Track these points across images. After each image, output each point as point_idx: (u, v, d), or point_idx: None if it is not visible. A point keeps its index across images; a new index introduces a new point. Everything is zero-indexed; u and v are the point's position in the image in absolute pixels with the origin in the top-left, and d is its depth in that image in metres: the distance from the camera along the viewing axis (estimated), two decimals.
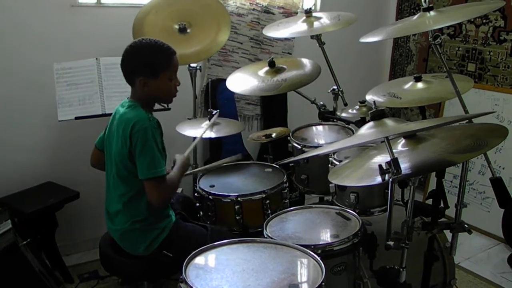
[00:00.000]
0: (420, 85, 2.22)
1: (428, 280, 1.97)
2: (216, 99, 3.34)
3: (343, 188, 2.16)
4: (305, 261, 1.60)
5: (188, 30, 2.76)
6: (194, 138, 2.51)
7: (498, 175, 2.24)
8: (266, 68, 2.59)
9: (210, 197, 2.26)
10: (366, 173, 1.68)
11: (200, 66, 2.89)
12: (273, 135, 2.80)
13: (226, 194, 2.24)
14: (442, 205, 1.92)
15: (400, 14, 3.97)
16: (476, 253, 3.08)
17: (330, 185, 2.20)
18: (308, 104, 2.72)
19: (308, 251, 1.63)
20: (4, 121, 2.79)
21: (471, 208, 3.12)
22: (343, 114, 2.60)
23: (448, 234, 2.07)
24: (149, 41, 1.97)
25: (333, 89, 2.65)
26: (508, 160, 3.17)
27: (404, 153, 1.60)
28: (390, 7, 4.03)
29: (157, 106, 2.15)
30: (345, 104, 2.67)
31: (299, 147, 2.50)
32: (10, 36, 2.72)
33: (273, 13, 3.50)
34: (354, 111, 2.55)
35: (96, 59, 2.69)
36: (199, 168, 2.58)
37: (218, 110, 2.64)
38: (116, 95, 2.66)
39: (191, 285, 1.45)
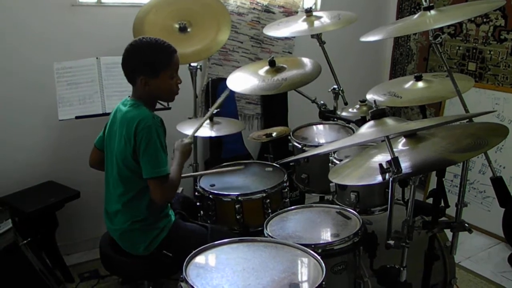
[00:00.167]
0: (420, 84, 2.22)
1: (429, 279, 1.96)
2: (216, 98, 3.33)
3: (344, 187, 2.16)
4: (305, 260, 1.60)
5: (189, 29, 2.76)
6: (202, 137, 2.48)
7: (498, 174, 2.24)
8: (267, 68, 2.59)
9: (210, 196, 2.26)
10: (367, 172, 1.68)
11: (201, 66, 2.89)
12: (274, 134, 2.80)
13: (227, 193, 2.24)
14: (442, 204, 1.92)
15: (401, 13, 3.96)
16: (476, 252, 3.08)
17: (331, 184, 2.20)
18: (309, 103, 2.72)
19: (309, 250, 1.63)
20: (4, 120, 2.79)
21: (472, 207, 3.12)
22: (344, 113, 2.59)
23: (448, 233, 2.07)
24: (150, 40, 1.97)
25: (334, 88, 2.65)
26: (509, 159, 3.17)
27: (404, 152, 1.60)
28: (391, 6, 4.03)
29: (157, 105, 2.14)
30: (346, 103, 2.67)
31: (300, 146, 2.50)
32: (10, 36, 2.72)
33: (273, 12, 3.50)
34: (355, 110, 2.55)
35: (97, 58, 2.69)
36: (200, 172, 2.58)
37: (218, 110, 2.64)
38: (116, 94, 2.66)
39: (192, 284, 1.45)
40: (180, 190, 2.39)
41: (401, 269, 1.68)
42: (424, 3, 1.87)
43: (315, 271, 1.53)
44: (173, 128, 2.56)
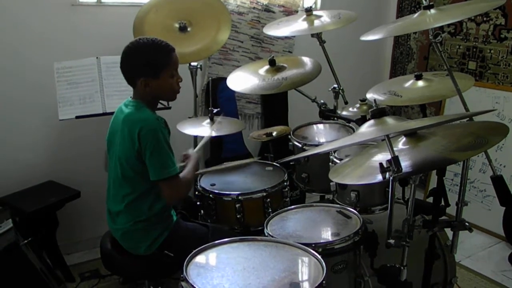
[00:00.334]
0: (420, 83, 2.22)
1: (429, 279, 1.96)
2: (216, 98, 3.34)
3: (344, 186, 2.16)
4: (306, 259, 1.60)
5: (189, 29, 2.76)
6: (202, 137, 2.49)
7: (499, 173, 2.24)
8: (267, 67, 2.59)
9: (211, 195, 2.26)
10: (367, 171, 1.68)
11: (201, 65, 2.89)
12: (274, 133, 2.80)
13: (227, 192, 2.24)
14: (443, 203, 1.92)
15: (401, 12, 3.96)
16: (477, 251, 3.08)
17: (331, 183, 2.19)
18: (309, 102, 2.71)
19: (309, 249, 1.63)
20: (5, 120, 2.79)
21: (472, 206, 3.11)
22: (344, 113, 2.59)
23: (449, 232, 2.07)
24: (146, 41, 1.94)
25: (334, 88, 2.65)
26: (509, 158, 3.17)
27: (404, 151, 1.60)
28: (391, 5, 4.02)
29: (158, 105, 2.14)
30: (346, 103, 2.67)
31: (300, 145, 2.50)
32: (10, 36, 2.72)
33: (273, 12, 3.50)
34: (355, 110, 2.54)
35: (97, 58, 2.69)
36: (208, 169, 2.57)
37: (218, 109, 2.65)
38: (116, 94, 2.66)
39: (192, 284, 1.45)
40: None
41: (402, 268, 1.68)
42: (424, 2, 1.87)
43: (316, 270, 1.53)
44: (174, 128, 2.56)
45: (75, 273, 2.84)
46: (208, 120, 2.62)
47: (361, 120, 2.40)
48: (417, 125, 1.57)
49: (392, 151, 1.47)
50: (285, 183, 2.35)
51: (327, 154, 2.28)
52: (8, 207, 2.48)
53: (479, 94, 3.33)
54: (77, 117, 2.62)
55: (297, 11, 3.55)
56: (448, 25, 3.56)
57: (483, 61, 3.44)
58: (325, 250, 1.74)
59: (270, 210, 2.22)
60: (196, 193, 2.37)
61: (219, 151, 3.39)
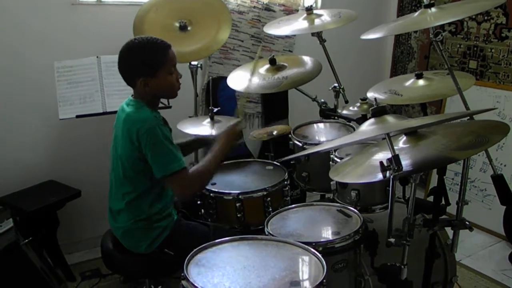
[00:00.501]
0: (421, 82, 2.21)
1: (429, 278, 1.96)
2: (217, 97, 3.34)
3: (344, 185, 2.15)
4: (306, 258, 1.60)
5: (189, 28, 2.76)
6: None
7: (499, 172, 2.24)
8: (267, 66, 2.59)
9: (211, 194, 2.25)
10: (367, 170, 1.68)
11: (201, 64, 2.89)
12: (274, 132, 2.80)
13: (227, 191, 2.23)
14: (443, 202, 1.92)
15: (401, 11, 3.96)
16: (477, 251, 3.07)
17: (331, 182, 2.19)
18: (309, 101, 2.71)
19: (309, 248, 1.63)
20: (5, 120, 2.79)
21: (473, 205, 3.10)
22: (344, 112, 2.59)
23: (449, 231, 2.07)
24: (141, 40, 1.94)
25: (334, 87, 2.65)
26: (510, 157, 3.16)
27: (405, 150, 1.59)
28: (391, 4, 4.02)
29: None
30: (346, 102, 2.66)
31: (300, 144, 2.50)
32: (10, 36, 2.72)
33: (274, 11, 3.49)
34: (355, 109, 2.54)
35: (97, 57, 2.69)
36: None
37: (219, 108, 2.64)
38: (117, 93, 2.66)
39: (193, 282, 1.45)
40: None
41: (402, 267, 1.68)
42: (424, 0, 1.86)
43: (316, 269, 1.53)
44: (174, 127, 2.56)
45: (76, 272, 2.84)
46: (209, 120, 2.61)
47: (362, 119, 2.40)
48: (418, 123, 1.57)
49: (393, 150, 1.47)
50: (286, 182, 2.35)
51: (327, 153, 2.28)
52: (8, 207, 2.49)
53: (479, 93, 3.33)
54: (77, 117, 2.62)
55: (297, 10, 3.54)
56: (449, 24, 3.55)
57: (484, 60, 3.43)
58: (325, 249, 1.73)
59: (270, 209, 2.22)
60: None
61: None
